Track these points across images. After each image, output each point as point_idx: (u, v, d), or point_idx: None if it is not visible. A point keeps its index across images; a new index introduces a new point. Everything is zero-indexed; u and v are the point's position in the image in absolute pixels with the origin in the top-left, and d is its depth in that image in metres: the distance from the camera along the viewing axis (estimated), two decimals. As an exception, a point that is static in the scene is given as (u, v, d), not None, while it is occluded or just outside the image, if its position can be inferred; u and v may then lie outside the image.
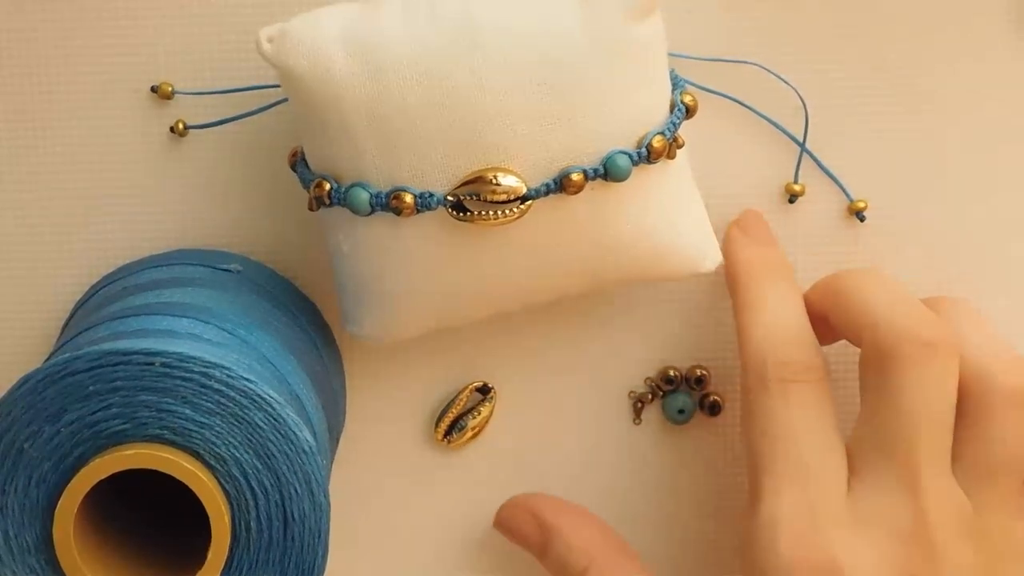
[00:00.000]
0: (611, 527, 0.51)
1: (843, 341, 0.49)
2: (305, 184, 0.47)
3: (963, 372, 0.45)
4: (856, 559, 0.44)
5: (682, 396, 0.53)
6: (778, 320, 0.47)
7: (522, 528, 0.51)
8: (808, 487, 0.45)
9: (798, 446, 0.45)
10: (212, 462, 0.41)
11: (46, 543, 0.41)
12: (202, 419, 0.41)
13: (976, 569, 0.44)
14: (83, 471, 0.40)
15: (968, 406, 0.45)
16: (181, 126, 0.51)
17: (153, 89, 0.51)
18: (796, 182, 0.52)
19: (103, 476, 0.40)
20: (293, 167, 0.49)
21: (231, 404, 0.41)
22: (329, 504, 0.42)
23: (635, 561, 0.51)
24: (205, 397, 0.41)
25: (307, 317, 0.50)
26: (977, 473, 0.45)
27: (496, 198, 0.45)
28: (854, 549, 0.44)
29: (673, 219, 0.47)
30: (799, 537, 0.44)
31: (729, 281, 0.50)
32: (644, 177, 0.46)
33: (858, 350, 0.47)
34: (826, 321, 0.48)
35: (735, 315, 0.49)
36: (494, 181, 0.45)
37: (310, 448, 0.41)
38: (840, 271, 0.49)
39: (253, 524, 0.41)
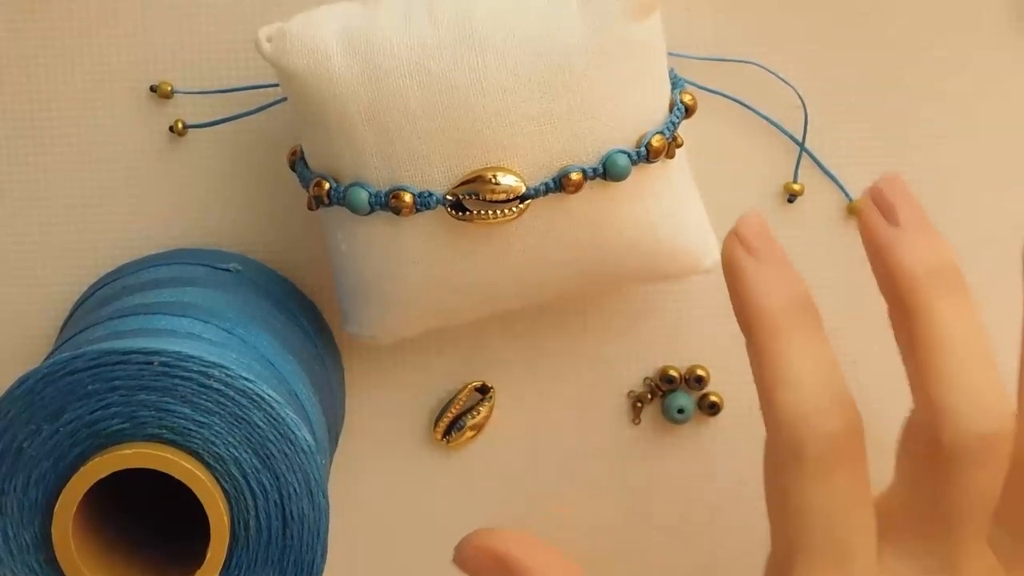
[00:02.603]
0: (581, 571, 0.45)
1: None
2: (304, 183, 0.47)
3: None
4: None
5: (682, 396, 0.53)
6: (812, 379, 0.41)
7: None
8: (848, 569, 0.41)
9: (839, 528, 0.41)
10: (211, 461, 0.41)
11: (45, 542, 0.41)
12: (201, 418, 0.41)
13: None
14: (82, 470, 0.40)
15: (1017, 482, 0.41)
16: (180, 125, 0.51)
17: (152, 88, 0.51)
18: (796, 182, 0.52)
19: (102, 475, 0.40)
20: (292, 166, 0.49)
21: (230, 403, 0.41)
22: (328, 504, 0.42)
23: None
24: (204, 396, 0.41)
25: (307, 317, 0.50)
26: (1019, 544, 0.42)
27: (495, 197, 0.45)
28: None
29: (672, 219, 0.47)
30: None
31: (743, 321, 0.43)
32: (643, 176, 0.46)
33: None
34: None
35: (753, 365, 0.42)
36: (493, 180, 0.45)
37: (309, 448, 0.41)
38: (933, 307, 0.42)
39: (252, 523, 0.41)
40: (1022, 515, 0.41)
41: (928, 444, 0.42)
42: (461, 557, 0.44)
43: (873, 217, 0.43)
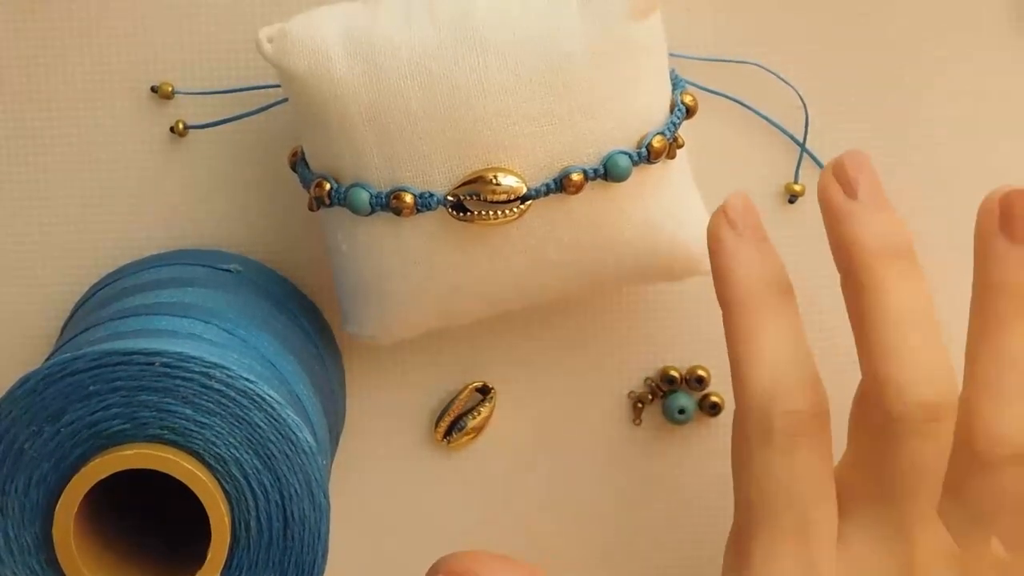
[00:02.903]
0: None
1: None
2: (305, 184, 0.47)
3: (959, 426, 0.42)
4: None
5: (682, 396, 0.53)
6: (783, 357, 0.43)
7: None
8: (809, 544, 0.43)
9: (801, 502, 0.43)
10: (212, 462, 0.41)
11: (46, 543, 0.41)
12: (202, 419, 0.41)
13: None
14: (83, 471, 0.40)
15: (963, 456, 0.42)
16: (181, 126, 0.51)
17: (153, 89, 0.51)
18: (796, 182, 0.52)
19: (103, 476, 0.40)
20: (293, 167, 0.49)
21: (231, 404, 0.41)
22: (329, 504, 0.42)
23: None
24: (205, 397, 0.41)
25: (307, 317, 0.50)
26: (967, 517, 0.43)
27: (496, 198, 0.45)
28: None
29: (673, 219, 0.47)
30: None
31: (722, 296, 0.45)
32: (644, 177, 0.46)
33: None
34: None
35: (728, 340, 0.44)
36: (494, 181, 0.45)
37: (310, 448, 0.41)
38: (882, 281, 0.43)
39: (253, 524, 0.41)
40: (968, 489, 0.42)
41: (875, 415, 0.43)
42: None
43: (832, 190, 0.44)
